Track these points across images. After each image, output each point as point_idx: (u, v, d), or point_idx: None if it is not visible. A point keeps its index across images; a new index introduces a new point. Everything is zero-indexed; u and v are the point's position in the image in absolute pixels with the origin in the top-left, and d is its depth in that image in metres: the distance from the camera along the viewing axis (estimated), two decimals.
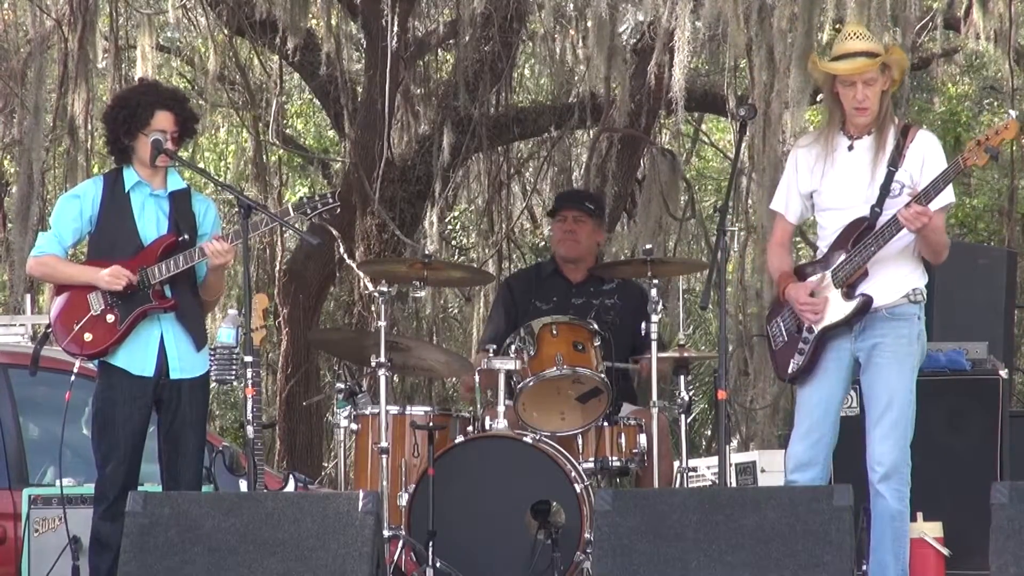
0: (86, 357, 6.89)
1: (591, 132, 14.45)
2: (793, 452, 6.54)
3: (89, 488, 7.10)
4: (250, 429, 6.64)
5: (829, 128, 6.62)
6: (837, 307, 6.49)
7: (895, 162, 6.48)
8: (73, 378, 6.98)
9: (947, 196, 6.46)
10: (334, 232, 12.64)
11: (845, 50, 6.52)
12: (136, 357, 6.87)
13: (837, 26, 10.72)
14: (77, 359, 6.95)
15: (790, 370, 6.59)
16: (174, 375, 6.87)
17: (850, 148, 6.56)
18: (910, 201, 6.36)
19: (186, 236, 6.93)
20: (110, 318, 6.85)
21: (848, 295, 6.48)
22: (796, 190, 6.70)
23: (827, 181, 6.59)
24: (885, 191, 6.47)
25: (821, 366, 6.53)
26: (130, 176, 6.97)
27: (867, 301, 6.45)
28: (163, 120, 6.92)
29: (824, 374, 6.53)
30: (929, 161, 6.49)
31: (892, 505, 6.36)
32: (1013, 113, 6.59)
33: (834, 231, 6.56)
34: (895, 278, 6.49)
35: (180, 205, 6.99)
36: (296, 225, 7.15)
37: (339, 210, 7.18)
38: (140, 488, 6.80)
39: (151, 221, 6.95)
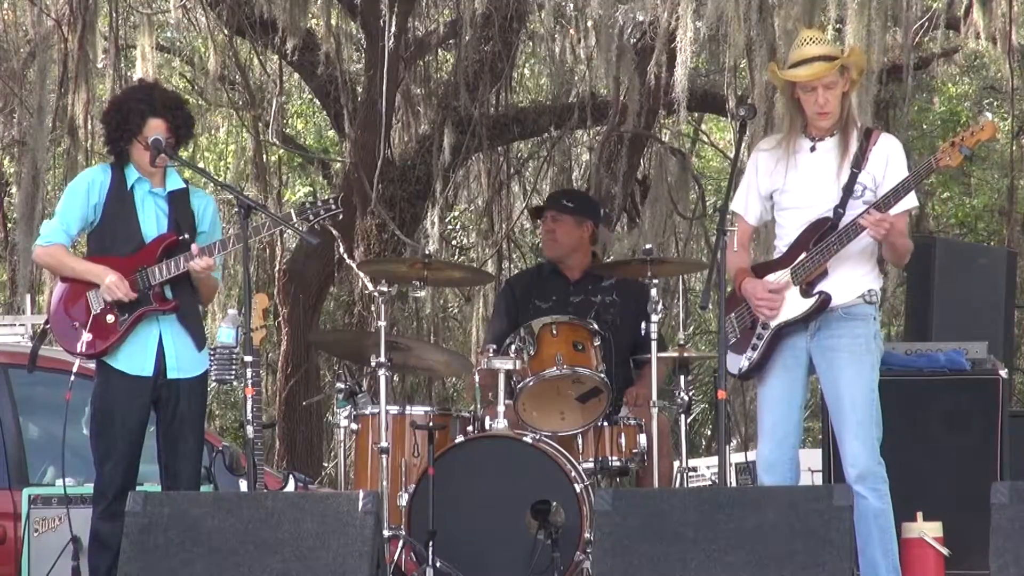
0: (85, 357, 6.89)
1: (591, 132, 14.45)
2: (760, 452, 6.60)
3: (89, 488, 7.10)
4: (250, 429, 6.65)
5: (790, 132, 6.65)
6: (794, 304, 6.53)
7: (859, 164, 6.52)
8: (72, 378, 6.97)
9: (910, 200, 6.49)
10: (334, 232, 12.63)
11: (802, 56, 6.54)
12: (134, 357, 6.87)
13: (838, 26, 10.72)
14: (76, 359, 6.95)
15: (740, 366, 6.61)
16: (171, 375, 6.88)
17: (812, 150, 6.60)
18: (869, 207, 6.38)
19: (186, 235, 6.93)
20: (110, 318, 6.86)
21: (806, 292, 6.51)
22: (756, 192, 6.73)
23: (789, 182, 6.61)
24: (848, 192, 6.50)
25: (777, 363, 6.56)
26: (131, 173, 6.99)
27: (825, 299, 6.48)
28: (155, 127, 6.91)
29: (781, 371, 6.56)
30: (892, 163, 6.53)
31: (873, 503, 6.38)
32: (989, 115, 6.61)
33: (795, 231, 6.60)
34: (852, 278, 6.52)
35: (179, 204, 7.00)
36: (296, 225, 7.15)
37: (341, 216, 7.16)
38: (140, 488, 6.80)
39: (152, 218, 6.96)
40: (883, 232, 6.38)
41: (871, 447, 6.42)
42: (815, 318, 6.51)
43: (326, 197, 7.09)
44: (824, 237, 6.49)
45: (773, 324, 6.54)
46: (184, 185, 7.08)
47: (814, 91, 6.51)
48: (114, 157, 7.04)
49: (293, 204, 7.06)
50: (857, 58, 6.67)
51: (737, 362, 6.64)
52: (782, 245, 6.66)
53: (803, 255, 6.53)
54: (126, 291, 6.83)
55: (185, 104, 7.27)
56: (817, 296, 6.50)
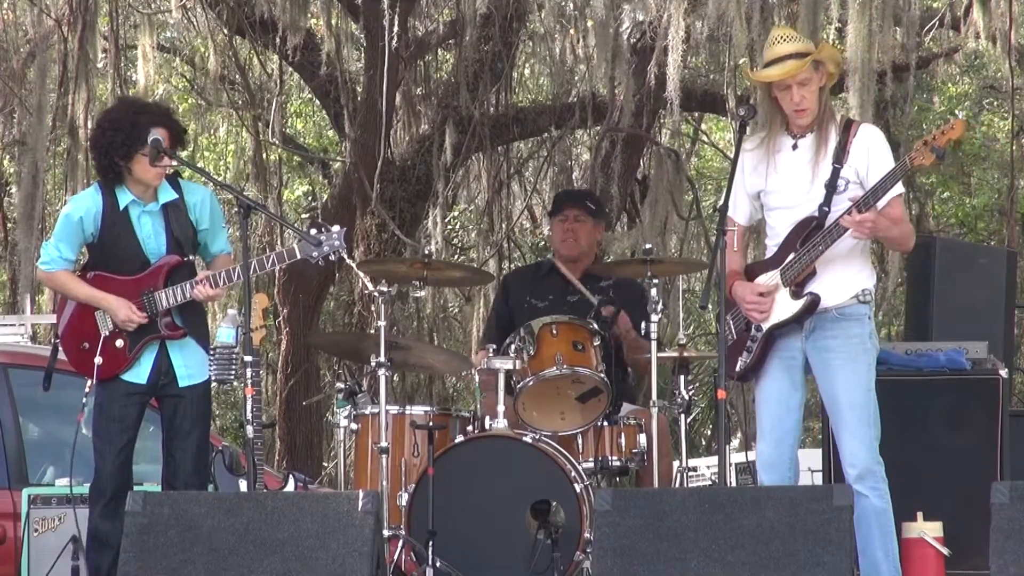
0: (93, 379, 6.92)
1: (591, 132, 14.45)
2: (760, 452, 6.60)
3: (86, 488, 7.10)
4: (250, 429, 6.65)
5: (771, 130, 6.63)
6: (785, 306, 6.52)
7: (839, 158, 6.50)
8: (84, 400, 6.99)
9: (896, 188, 6.46)
10: None
11: (774, 55, 6.53)
12: (133, 370, 6.95)
13: (838, 25, 10.72)
14: (87, 380, 6.98)
15: (738, 368, 6.61)
16: (183, 383, 6.96)
17: (794, 147, 6.58)
18: (851, 208, 6.37)
19: (190, 256, 6.99)
20: (119, 343, 6.94)
21: (796, 294, 6.50)
22: (744, 192, 6.71)
23: (773, 181, 6.60)
24: (832, 188, 6.48)
25: (772, 364, 6.55)
26: (123, 195, 6.98)
27: (815, 300, 6.47)
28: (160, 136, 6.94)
29: (776, 372, 6.55)
30: (874, 153, 6.50)
31: (874, 503, 6.37)
32: (960, 114, 6.62)
33: (783, 230, 6.59)
34: (844, 278, 6.50)
35: (175, 217, 7.01)
36: (296, 224, 7.16)
37: (345, 252, 7.13)
38: (140, 488, 6.80)
39: (151, 236, 6.99)
40: (866, 231, 6.37)
41: (870, 446, 6.41)
42: (807, 318, 6.50)
43: (334, 236, 6.99)
44: (811, 236, 6.48)
45: (765, 326, 6.54)
46: (176, 196, 7.06)
47: (789, 89, 6.49)
48: (104, 178, 7.01)
49: (301, 245, 6.85)
50: (830, 52, 6.64)
51: (734, 364, 6.63)
52: (772, 245, 6.65)
53: (791, 255, 6.52)
54: (140, 318, 6.91)
55: (175, 112, 7.33)
56: (807, 297, 6.48)
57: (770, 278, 6.55)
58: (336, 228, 6.97)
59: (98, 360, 6.88)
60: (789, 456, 6.55)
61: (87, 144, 11.97)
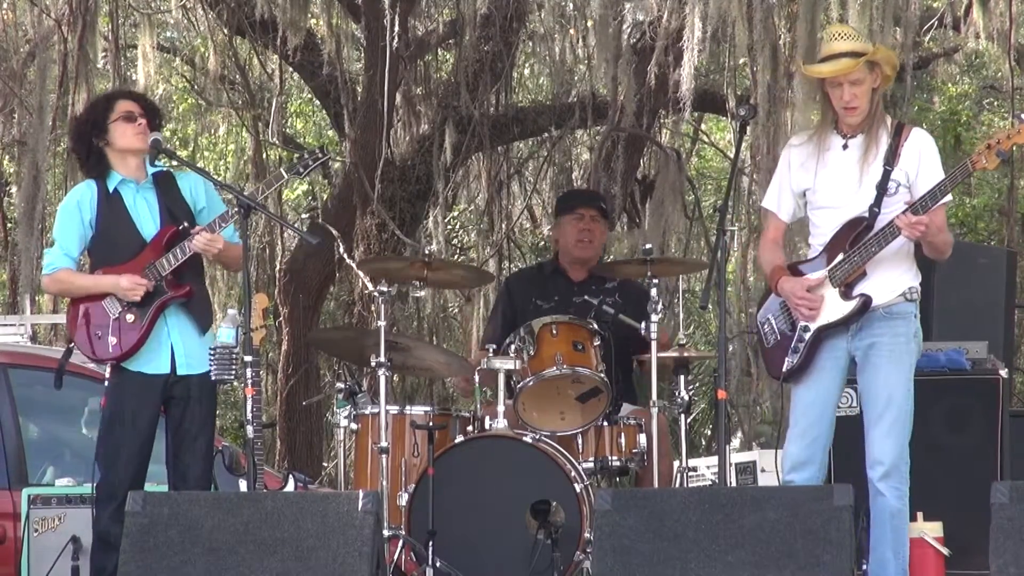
0: (115, 361, 6.89)
1: (591, 132, 14.45)
2: (789, 452, 6.54)
3: (88, 488, 7.09)
4: (250, 429, 6.65)
5: (822, 127, 6.62)
6: (835, 306, 6.48)
7: (891, 161, 6.48)
8: (106, 383, 6.97)
9: (947, 196, 6.46)
10: (334, 232, 12.64)
11: (830, 51, 6.52)
12: (151, 356, 6.92)
13: None
14: (106, 366, 6.94)
15: (784, 368, 6.57)
16: (181, 371, 6.91)
17: (844, 147, 6.56)
18: (906, 209, 6.35)
19: (185, 224, 6.96)
20: (130, 318, 6.90)
21: (846, 294, 6.47)
22: (789, 188, 6.69)
23: (821, 180, 6.57)
24: (882, 191, 6.46)
25: (817, 365, 6.52)
26: (112, 179, 7.00)
27: (867, 301, 6.44)
28: (126, 104, 6.98)
29: (820, 373, 6.52)
30: (925, 159, 6.50)
31: (892, 503, 6.36)
32: None
33: (829, 230, 6.55)
34: (892, 277, 6.48)
35: (167, 189, 7.01)
36: (296, 224, 7.17)
37: (330, 160, 7.16)
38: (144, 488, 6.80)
39: (146, 215, 6.98)
40: (918, 234, 6.34)
41: (902, 446, 6.39)
42: (856, 320, 6.48)
43: (312, 148, 7.07)
44: (860, 237, 6.44)
45: (814, 327, 6.51)
46: (163, 167, 7.05)
47: (840, 87, 6.47)
48: (91, 172, 7.02)
49: (284, 165, 6.97)
50: (886, 54, 6.60)
51: (779, 365, 6.60)
52: (817, 244, 6.61)
53: (840, 256, 6.48)
54: (143, 284, 6.87)
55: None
56: (858, 299, 6.45)
57: (817, 276, 6.53)
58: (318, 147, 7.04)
59: (112, 339, 6.87)
60: (820, 457, 6.52)
61: None
